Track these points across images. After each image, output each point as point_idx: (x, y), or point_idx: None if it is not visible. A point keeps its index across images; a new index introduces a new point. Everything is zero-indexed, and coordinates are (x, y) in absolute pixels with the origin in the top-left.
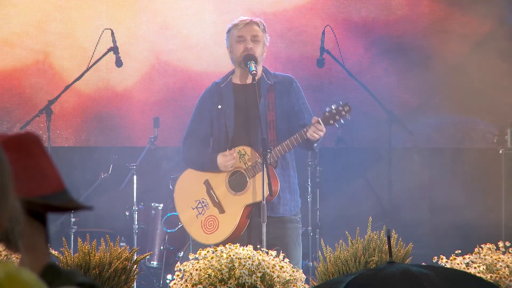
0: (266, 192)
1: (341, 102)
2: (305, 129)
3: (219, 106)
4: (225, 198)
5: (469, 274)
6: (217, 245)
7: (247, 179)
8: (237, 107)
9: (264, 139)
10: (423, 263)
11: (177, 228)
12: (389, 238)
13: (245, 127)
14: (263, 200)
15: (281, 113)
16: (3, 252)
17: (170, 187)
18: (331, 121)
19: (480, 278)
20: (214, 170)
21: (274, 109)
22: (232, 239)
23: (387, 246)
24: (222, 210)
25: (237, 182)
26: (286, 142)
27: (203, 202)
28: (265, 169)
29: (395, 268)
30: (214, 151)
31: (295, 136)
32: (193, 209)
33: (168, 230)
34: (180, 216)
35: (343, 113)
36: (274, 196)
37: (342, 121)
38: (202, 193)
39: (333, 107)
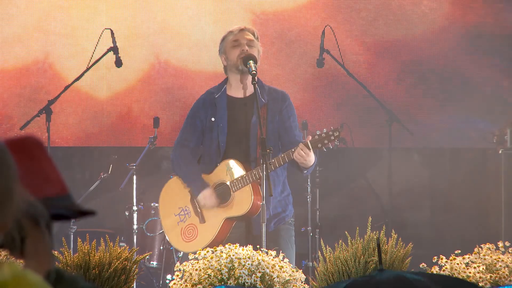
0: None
1: (332, 127)
2: (293, 149)
3: (212, 119)
4: (207, 208)
5: (463, 280)
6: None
7: (231, 192)
8: (230, 121)
9: (263, 139)
10: (423, 263)
11: (158, 233)
12: (379, 245)
13: (238, 142)
14: (263, 200)
15: (271, 130)
16: (3, 253)
17: None
18: (319, 145)
19: (474, 284)
20: (193, 193)
21: (265, 125)
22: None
23: (387, 246)
24: (202, 220)
25: (221, 194)
26: (272, 161)
27: (186, 209)
28: (264, 166)
29: (388, 274)
30: (206, 163)
31: (282, 156)
32: (175, 215)
33: (149, 234)
34: (162, 221)
35: (332, 138)
36: (256, 211)
37: (330, 146)
38: (186, 201)
39: (324, 130)
